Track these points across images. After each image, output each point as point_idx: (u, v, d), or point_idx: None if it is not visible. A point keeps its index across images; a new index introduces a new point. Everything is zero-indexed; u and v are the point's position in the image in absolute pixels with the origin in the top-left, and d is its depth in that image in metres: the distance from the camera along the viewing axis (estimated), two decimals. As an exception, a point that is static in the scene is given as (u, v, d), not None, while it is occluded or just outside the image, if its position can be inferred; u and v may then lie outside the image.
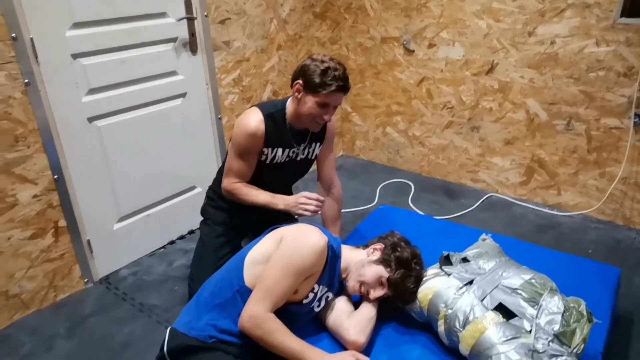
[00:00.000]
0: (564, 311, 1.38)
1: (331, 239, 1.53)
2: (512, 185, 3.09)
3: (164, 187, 2.62)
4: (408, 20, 3.14)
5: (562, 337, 1.34)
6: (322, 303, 1.56)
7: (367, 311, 1.54)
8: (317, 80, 1.73)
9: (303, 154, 2.00)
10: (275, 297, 1.39)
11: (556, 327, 1.35)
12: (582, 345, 1.35)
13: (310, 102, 1.78)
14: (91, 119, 2.23)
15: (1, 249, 2.02)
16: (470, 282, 1.51)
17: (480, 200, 3.07)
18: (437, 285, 1.53)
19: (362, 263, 1.56)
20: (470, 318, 1.41)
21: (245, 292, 1.44)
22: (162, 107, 2.50)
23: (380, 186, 3.30)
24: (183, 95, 2.58)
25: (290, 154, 1.96)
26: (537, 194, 3.01)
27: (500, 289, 1.47)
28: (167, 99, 2.51)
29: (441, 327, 1.48)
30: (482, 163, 3.17)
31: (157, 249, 2.65)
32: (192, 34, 2.51)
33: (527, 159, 2.98)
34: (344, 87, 1.76)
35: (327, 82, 1.73)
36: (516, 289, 1.46)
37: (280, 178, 2.04)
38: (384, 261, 1.55)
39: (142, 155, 2.46)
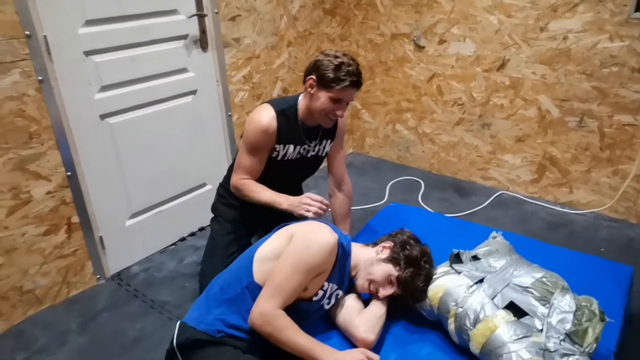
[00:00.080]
0: (576, 310, 1.37)
1: (341, 237, 1.53)
2: (523, 183, 3.07)
3: (175, 184, 2.64)
4: (418, 16, 3.12)
5: (573, 336, 1.33)
6: (332, 300, 1.57)
7: (377, 309, 1.54)
8: (330, 75, 1.73)
9: (314, 151, 2.00)
10: (285, 294, 1.39)
11: (568, 326, 1.34)
12: (595, 345, 1.34)
13: (323, 98, 1.78)
14: (103, 116, 2.25)
15: (16, 245, 2.04)
16: (481, 281, 1.51)
17: (491, 198, 3.05)
18: (447, 284, 1.53)
19: (371, 261, 1.56)
20: (481, 316, 1.41)
21: (254, 288, 1.44)
22: (173, 104, 2.51)
23: (390, 184, 3.29)
24: (194, 92, 2.59)
25: (301, 150, 1.96)
26: (548, 192, 2.99)
27: (511, 287, 1.46)
28: (177, 96, 2.52)
29: (451, 326, 1.48)
30: (492, 160, 3.15)
31: (168, 246, 2.67)
32: (203, 31, 2.52)
33: (539, 157, 2.95)
34: (357, 82, 1.76)
35: (340, 77, 1.72)
36: (527, 287, 1.45)
37: (290, 175, 2.05)
38: (393, 259, 1.54)
39: (153, 152, 2.48)
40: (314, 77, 1.78)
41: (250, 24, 2.76)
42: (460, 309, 1.45)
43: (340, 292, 1.58)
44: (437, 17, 3.05)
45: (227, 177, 2.10)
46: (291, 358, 1.40)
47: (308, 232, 1.47)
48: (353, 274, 1.59)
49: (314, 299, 1.50)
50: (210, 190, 2.73)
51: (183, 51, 2.48)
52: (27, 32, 1.90)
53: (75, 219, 2.21)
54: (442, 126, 3.29)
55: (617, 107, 2.60)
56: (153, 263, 2.54)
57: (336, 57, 1.76)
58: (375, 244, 1.64)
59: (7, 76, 1.88)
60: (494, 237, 1.79)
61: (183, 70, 2.52)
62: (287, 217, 1.76)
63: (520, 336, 1.33)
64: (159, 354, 1.62)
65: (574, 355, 1.29)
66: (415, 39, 3.18)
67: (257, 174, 1.93)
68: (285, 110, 1.88)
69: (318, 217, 1.74)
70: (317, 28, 3.20)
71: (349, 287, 1.62)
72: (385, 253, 1.57)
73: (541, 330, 1.35)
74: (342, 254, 1.52)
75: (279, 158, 1.93)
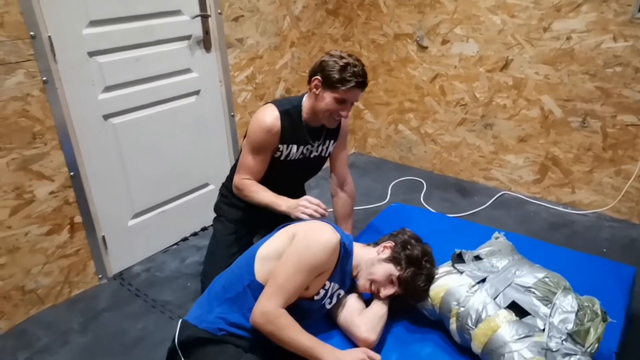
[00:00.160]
0: (578, 310, 1.37)
1: (343, 236, 1.53)
2: (525, 183, 3.07)
3: (178, 184, 2.64)
4: (421, 17, 3.12)
5: (575, 336, 1.33)
6: (334, 300, 1.57)
7: (378, 309, 1.54)
8: (336, 76, 1.73)
9: (317, 151, 2.00)
10: (287, 294, 1.40)
11: (570, 326, 1.34)
12: (596, 345, 1.34)
13: (328, 98, 1.78)
14: (107, 117, 2.25)
15: (19, 245, 2.05)
16: (483, 280, 1.50)
17: (493, 198, 3.04)
18: (449, 283, 1.53)
19: (372, 261, 1.56)
20: (483, 316, 1.40)
21: (255, 287, 1.45)
22: (176, 105, 2.52)
23: (392, 184, 3.29)
24: (197, 92, 2.60)
25: (304, 151, 1.96)
26: (550, 192, 2.99)
27: (513, 287, 1.46)
28: (181, 96, 2.53)
29: (453, 325, 1.48)
30: (495, 161, 3.15)
31: (170, 246, 2.68)
32: (206, 31, 2.53)
33: (541, 157, 2.95)
34: (362, 83, 1.77)
35: (346, 78, 1.73)
36: (529, 287, 1.45)
37: (293, 175, 2.05)
38: (394, 259, 1.54)
39: (156, 153, 2.49)
40: (319, 77, 1.78)
41: (254, 24, 2.76)
42: (462, 309, 1.45)
43: (342, 292, 1.58)
44: (440, 18, 3.05)
45: (230, 177, 2.10)
46: (292, 357, 1.40)
47: (310, 231, 1.47)
48: (354, 273, 1.59)
49: (316, 298, 1.50)
50: (212, 191, 2.74)
51: (186, 52, 2.49)
52: (31, 33, 1.91)
53: (78, 218, 2.22)
54: (444, 126, 3.29)
55: (620, 107, 2.59)
56: (155, 263, 2.54)
57: (342, 57, 1.76)
58: (376, 244, 1.64)
59: (12, 76, 1.89)
60: (497, 238, 1.79)
61: (186, 70, 2.52)
62: (289, 218, 1.76)
63: (522, 336, 1.33)
64: (161, 353, 1.62)
65: (575, 355, 1.29)
66: (418, 39, 3.18)
67: (259, 174, 1.94)
68: (289, 110, 1.88)
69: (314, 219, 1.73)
70: (320, 28, 3.21)
71: (351, 287, 1.63)
72: (387, 253, 1.57)
73: (543, 330, 1.35)
74: (344, 253, 1.52)
75: (282, 158, 1.93)
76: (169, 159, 2.55)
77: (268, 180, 1.94)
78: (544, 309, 1.39)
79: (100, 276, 2.38)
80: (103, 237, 2.36)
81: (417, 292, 1.54)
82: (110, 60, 2.20)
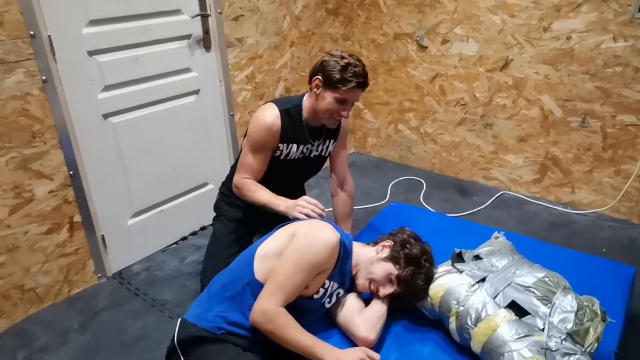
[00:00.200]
0: (578, 310, 1.37)
1: (343, 235, 1.53)
2: (525, 183, 3.07)
3: (177, 183, 2.64)
4: (421, 16, 3.12)
5: (575, 336, 1.33)
6: (333, 299, 1.57)
7: (378, 308, 1.54)
8: (337, 76, 1.73)
9: (317, 150, 2.00)
10: (287, 292, 1.39)
11: (569, 325, 1.34)
12: (596, 344, 1.34)
13: (329, 98, 1.78)
14: (106, 116, 2.25)
15: (18, 244, 2.05)
16: (483, 280, 1.50)
17: (493, 198, 3.04)
18: (449, 282, 1.53)
19: (371, 260, 1.56)
20: (483, 315, 1.40)
21: (255, 286, 1.45)
22: (176, 104, 2.52)
23: (392, 183, 3.29)
24: (196, 92, 2.60)
25: (304, 150, 1.96)
26: (550, 192, 2.99)
27: (513, 286, 1.46)
28: (180, 95, 2.53)
29: (453, 324, 1.48)
30: (494, 160, 3.15)
31: (169, 245, 2.68)
32: (206, 31, 2.53)
33: (541, 157, 2.95)
34: (363, 83, 1.77)
35: (347, 78, 1.73)
36: (529, 287, 1.45)
37: (293, 174, 2.05)
38: (392, 258, 1.54)
39: (156, 152, 2.48)
40: (320, 77, 1.78)
41: (254, 24, 2.76)
42: (461, 308, 1.45)
43: (341, 291, 1.58)
44: (440, 17, 3.05)
45: (230, 176, 2.10)
46: (291, 356, 1.40)
47: (310, 230, 1.47)
48: (354, 273, 1.59)
49: (315, 297, 1.50)
50: (212, 190, 2.74)
51: (186, 51, 2.49)
52: (31, 32, 1.91)
53: (77, 217, 2.22)
54: (444, 126, 3.29)
55: (620, 107, 2.59)
56: (154, 262, 2.54)
57: (342, 57, 1.76)
58: (375, 243, 1.64)
59: (12, 76, 1.89)
60: (496, 237, 1.79)
61: (186, 70, 2.52)
62: (289, 218, 1.76)
63: (521, 335, 1.33)
64: (160, 352, 1.62)
65: (575, 354, 1.29)
66: (418, 39, 3.18)
67: (259, 173, 1.93)
68: (290, 109, 1.88)
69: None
70: (320, 28, 3.21)
71: (350, 286, 1.62)
72: (385, 252, 1.57)
73: (543, 329, 1.35)
74: (344, 252, 1.52)
75: (282, 157, 1.93)
76: (168, 158, 2.55)
77: (268, 179, 1.94)
78: (543, 309, 1.39)
79: (99, 275, 2.38)
80: (102, 236, 2.36)
81: (416, 291, 1.54)
82: (110, 59, 2.20)
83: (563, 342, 1.31)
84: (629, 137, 2.61)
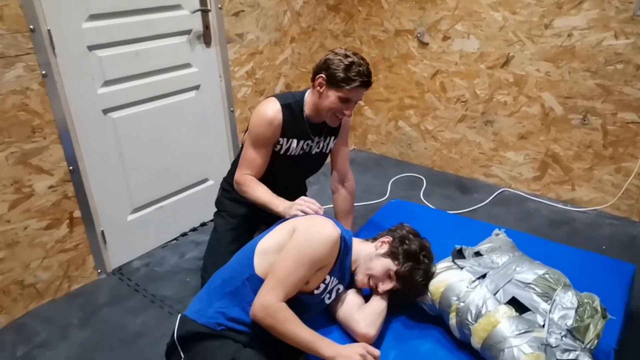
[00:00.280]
0: (578, 306, 1.37)
1: (343, 232, 1.53)
2: (525, 180, 3.07)
3: (177, 179, 2.64)
4: (422, 13, 3.11)
5: (575, 333, 1.33)
6: (333, 295, 1.57)
7: (378, 304, 1.54)
8: (341, 75, 1.72)
9: (318, 147, 2.00)
10: (287, 287, 1.39)
11: (569, 322, 1.34)
12: (596, 341, 1.34)
13: (332, 97, 1.77)
14: (106, 111, 2.25)
15: (17, 239, 2.05)
16: (483, 276, 1.51)
17: (493, 195, 3.04)
18: (449, 278, 1.53)
19: (370, 256, 1.56)
20: (483, 311, 1.41)
21: (255, 281, 1.44)
22: (176, 100, 2.51)
23: (392, 180, 3.28)
24: (197, 87, 2.59)
25: (305, 146, 1.95)
26: (550, 189, 2.98)
27: (514, 283, 1.46)
28: (180, 91, 2.52)
29: (453, 320, 1.48)
30: (495, 158, 3.14)
31: (169, 241, 2.67)
32: (206, 26, 2.52)
33: (542, 154, 2.95)
34: (367, 82, 1.76)
35: (351, 77, 1.72)
36: (529, 283, 1.45)
37: (294, 171, 2.04)
38: (391, 254, 1.54)
39: (156, 147, 2.48)
40: (323, 75, 1.77)
41: (254, 19, 2.75)
42: (462, 304, 1.45)
43: (341, 287, 1.58)
44: (441, 14, 3.04)
45: (232, 172, 2.09)
46: (291, 352, 1.40)
47: (311, 225, 1.47)
48: (353, 268, 1.59)
49: (315, 292, 1.50)
50: (212, 186, 2.74)
51: (186, 46, 2.48)
52: (31, 26, 1.90)
53: (77, 213, 2.21)
54: (444, 123, 3.29)
55: (621, 104, 2.59)
56: (154, 258, 2.54)
57: (347, 56, 1.75)
58: (374, 239, 1.64)
59: (11, 70, 1.89)
60: (497, 234, 1.79)
61: (186, 65, 2.52)
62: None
63: (522, 331, 1.33)
64: (160, 348, 1.62)
65: (575, 351, 1.29)
66: (419, 35, 3.17)
67: (260, 169, 1.92)
68: (291, 104, 1.88)
69: None
70: (321, 24, 3.20)
71: (350, 282, 1.62)
72: (384, 248, 1.57)
73: (543, 325, 1.35)
74: (345, 248, 1.52)
75: (282, 152, 1.92)
76: (168, 153, 2.54)
77: (269, 176, 1.93)
78: (543, 305, 1.39)
79: (99, 271, 2.37)
80: (102, 231, 2.35)
81: (415, 287, 1.54)
82: (109, 54, 2.20)
83: (563, 338, 1.31)
84: (630, 135, 2.61)
